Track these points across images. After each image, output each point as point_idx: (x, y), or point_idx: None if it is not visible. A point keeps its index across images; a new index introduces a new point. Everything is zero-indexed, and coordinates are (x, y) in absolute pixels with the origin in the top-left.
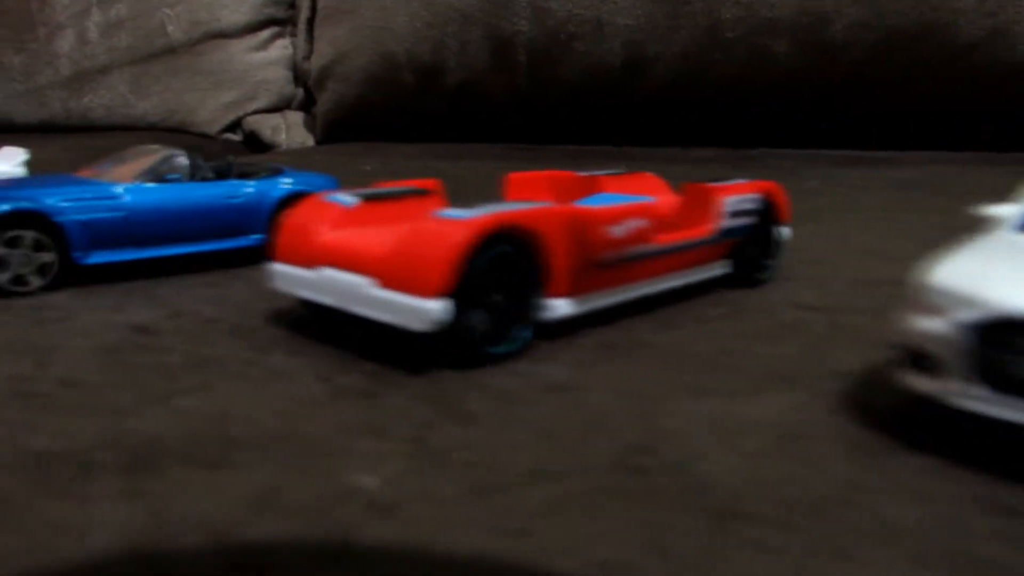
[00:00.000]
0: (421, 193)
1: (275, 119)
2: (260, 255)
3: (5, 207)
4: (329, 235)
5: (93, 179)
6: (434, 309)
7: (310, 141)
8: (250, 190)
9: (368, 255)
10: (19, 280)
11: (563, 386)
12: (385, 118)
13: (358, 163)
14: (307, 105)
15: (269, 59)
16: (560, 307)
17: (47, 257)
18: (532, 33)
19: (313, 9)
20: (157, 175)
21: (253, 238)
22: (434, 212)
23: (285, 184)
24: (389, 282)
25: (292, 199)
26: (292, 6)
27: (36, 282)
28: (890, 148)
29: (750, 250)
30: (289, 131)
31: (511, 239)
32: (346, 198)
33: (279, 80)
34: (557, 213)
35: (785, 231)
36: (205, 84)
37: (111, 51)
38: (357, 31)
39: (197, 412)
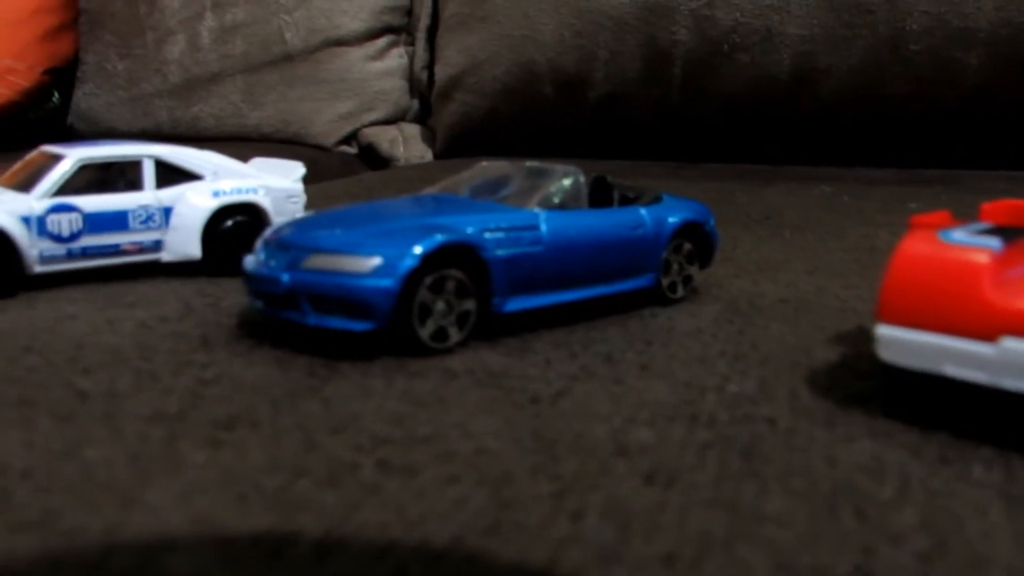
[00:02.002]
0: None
1: (392, 131)
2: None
3: (438, 238)
4: (1008, 294)
5: (503, 204)
6: None
7: (428, 155)
8: (649, 218)
9: None
10: (440, 334)
11: None
12: (518, 131)
13: None
14: (422, 117)
15: (386, 68)
16: None
17: (468, 304)
18: (692, 43)
19: (434, 17)
20: (566, 199)
21: (648, 278)
22: None
23: (678, 213)
24: None
25: (684, 230)
26: (409, 13)
27: (455, 336)
28: None
29: None
30: (407, 144)
31: None
32: (987, 240)
33: (395, 91)
34: None
35: None
36: (322, 94)
37: (224, 58)
38: (494, 40)
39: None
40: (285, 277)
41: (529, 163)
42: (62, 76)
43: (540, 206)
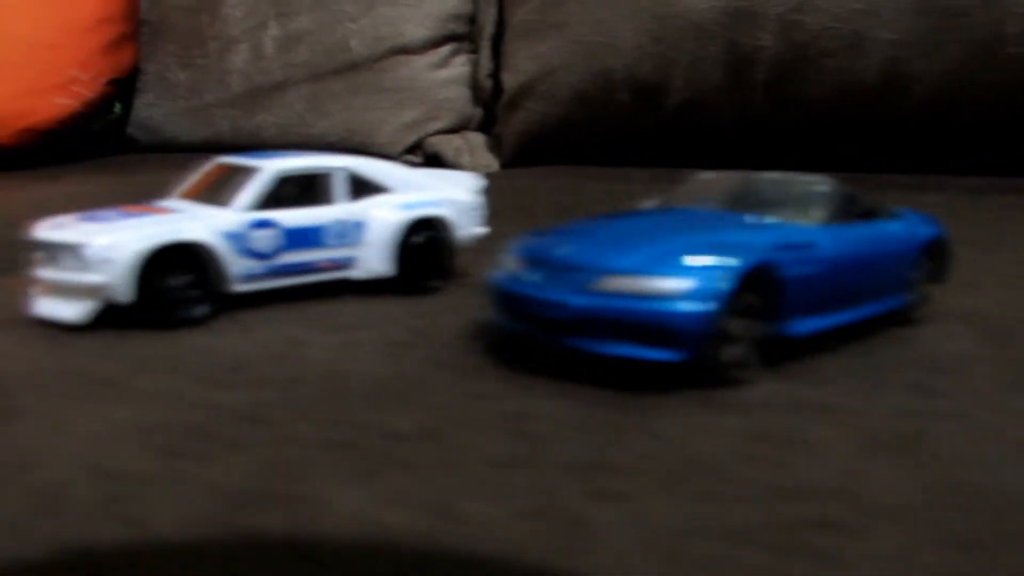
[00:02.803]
0: None
1: (457, 140)
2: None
3: (749, 258)
4: None
5: (781, 221)
6: None
7: (494, 164)
8: (904, 234)
9: None
10: (740, 363)
11: None
12: (591, 139)
13: (607, 192)
14: (486, 126)
15: (450, 77)
16: None
17: (762, 329)
18: (776, 48)
19: (499, 24)
20: (841, 214)
21: (902, 298)
22: None
23: (924, 228)
24: None
25: (930, 246)
26: (472, 21)
27: (753, 364)
28: None
29: None
30: (473, 153)
31: None
32: None
33: (459, 99)
34: None
35: None
36: (386, 102)
37: (288, 67)
38: (568, 46)
39: None
40: (576, 301)
41: (771, 175)
42: (123, 86)
43: (817, 222)
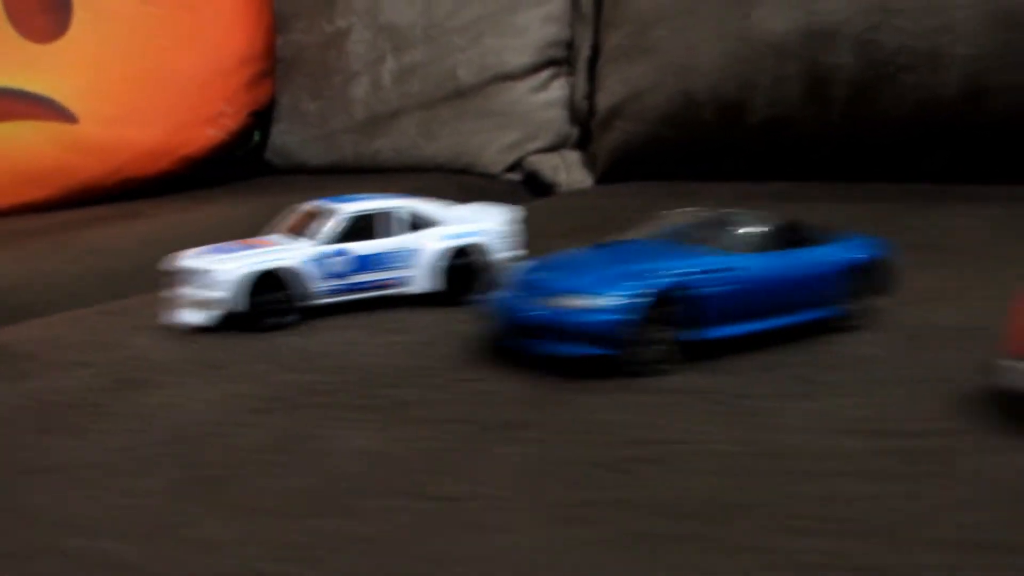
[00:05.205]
0: None
1: (554, 159)
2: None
3: (661, 282)
4: None
5: (710, 248)
6: None
7: (588, 181)
8: (832, 257)
9: None
10: (658, 360)
11: None
12: (678, 156)
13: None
14: (582, 144)
15: (549, 100)
16: None
17: (680, 334)
18: (855, 66)
19: (595, 48)
20: (761, 243)
21: (830, 309)
22: None
23: (859, 251)
24: None
25: (864, 266)
26: (570, 46)
27: (671, 360)
28: None
29: None
30: (568, 171)
31: None
32: None
33: (557, 120)
34: None
35: None
36: (490, 126)
37: (403, 96)
38: (657, 69)
39: None
40: (534, 313)
41: (722, 211)
42: (262, 117)
43: (743, 250)
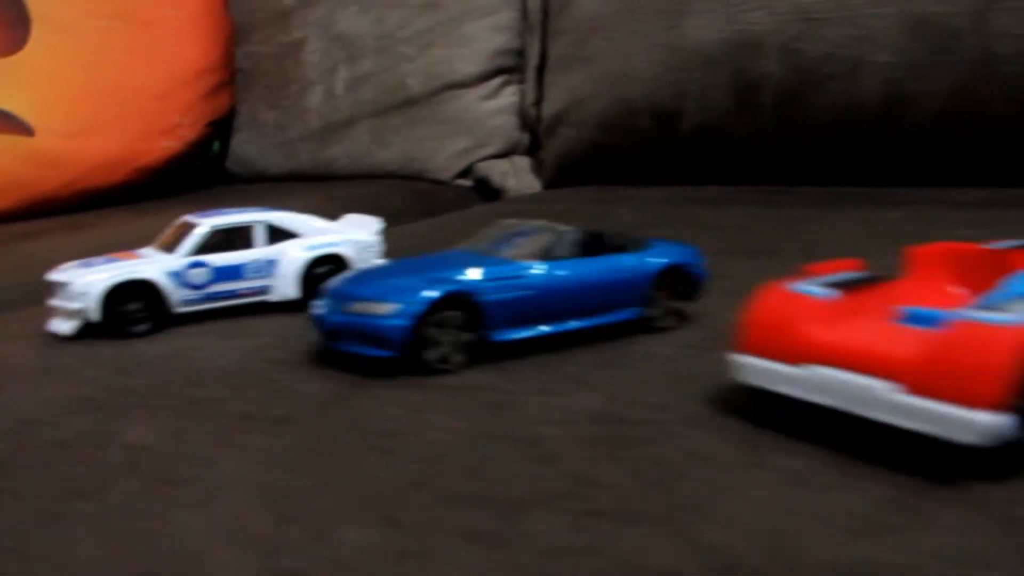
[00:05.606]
0: (882, 279)
1: (504, 164)
2: (629, 329)
3: (438, 291)
4: (818, 331)
5: (500, 258)
6: (991, 422)
7: (537, 186)
8: (631, 264)
9: (885, 357)
10: (443, 359)
11: None
12: (618, 162)
13: (611, 211)
14: (532, 150)
15: (499, 107)
16: None
17: (467, 336)
18: (781, 75)
19: (542, 57)
20: (555, 252)
21: (630, 312)
22: (960, 313)
23: (660, 258)
24: (925, 389)
25: (667, 271)
26: (521, 55)
27: (458, 360)
28: None
29: None
30: (517, 176)
31: None
32: (821, 290)
33: (507, 127)
34: None
35: None
36: (441, 133)
37: (356, 105)
38: (595, 77)
39: (752, 525)
40: (334, 318)
41: (535, 223)
42: (221, 127)
43: (530, 259)
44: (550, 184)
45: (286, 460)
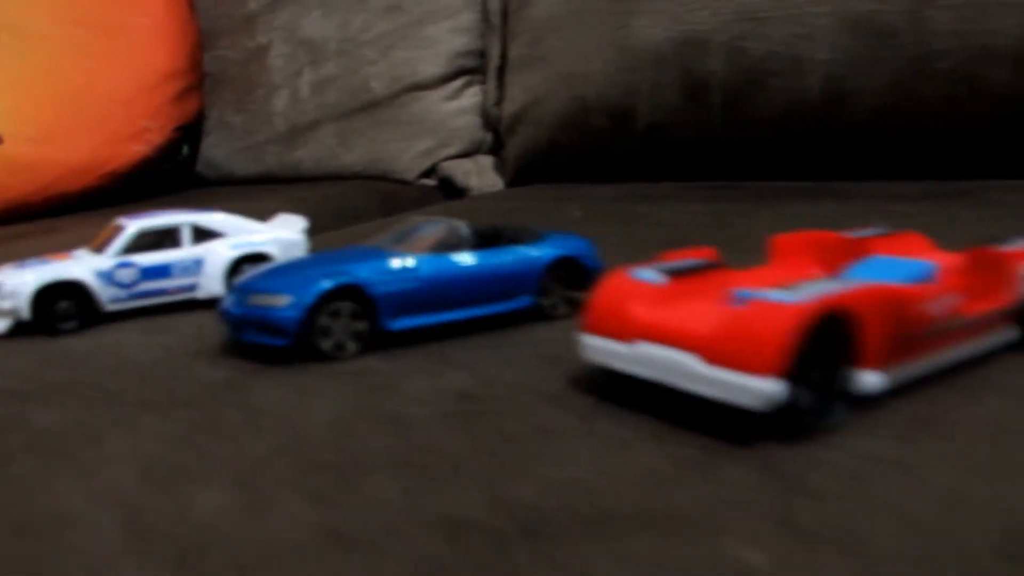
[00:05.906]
0: (714, 266)
1: (467, 164)
2: (527, 317)
3: (329, 283)
4: (643, 311)
5: (393, 252)
6: (770, 389)
7: (500, 184)
8: (522, 256)
9: (691, 332)
10: (338, 347)
11: (896, 462)
12: (575, 160)
13: (561, 208)
14: (495, 149)
15: (461, 107)
16: (874, 381)
17: (361, 325)
18: (727, 73)
19: (503, 57)
20: (446, 246)
21: (523, 300)
22: (759, 293)
23: (551, 250)
24: (718, 360)
25: (559, 263)
26: (482, 55)
27: (352, 348)
28: None
29: None
30: (480, 175)
31: (835, 319)
32: (652, 275)
33: (470, 127)
34: (879, 293)
35: None
36: (404, 134)
37: (321, 108)
38: (552, 77)
39: (560, 482)
40: (235, 310)
41: (431, 218)
42: (190, 131)
43: (422, 252)
44: (512, 182)
45: (172, 438)
